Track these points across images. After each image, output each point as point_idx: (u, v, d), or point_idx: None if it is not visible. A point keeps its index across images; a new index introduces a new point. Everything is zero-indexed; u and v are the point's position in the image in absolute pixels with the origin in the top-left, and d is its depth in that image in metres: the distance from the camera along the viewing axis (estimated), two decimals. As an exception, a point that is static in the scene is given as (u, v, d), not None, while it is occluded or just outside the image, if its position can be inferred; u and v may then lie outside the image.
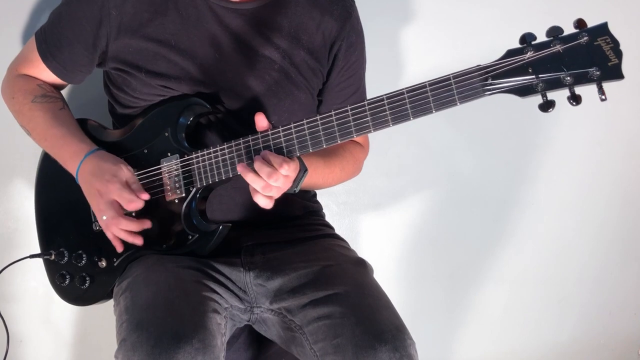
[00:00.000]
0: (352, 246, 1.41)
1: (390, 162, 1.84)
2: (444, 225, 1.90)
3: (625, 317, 2.07)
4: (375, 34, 1.54)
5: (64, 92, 1.45)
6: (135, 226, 1.24)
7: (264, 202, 1.17)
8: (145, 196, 1.23)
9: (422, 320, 1.86)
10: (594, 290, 2.03)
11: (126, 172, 1.25)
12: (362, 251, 1.41)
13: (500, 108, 1.86)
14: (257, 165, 1.14)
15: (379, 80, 1.51)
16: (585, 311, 2.03)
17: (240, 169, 1.16)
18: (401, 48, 1.79)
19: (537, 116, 1.90)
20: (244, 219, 1.34)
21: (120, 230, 1.24)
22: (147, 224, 1.25)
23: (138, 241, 1.25)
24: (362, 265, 1.29)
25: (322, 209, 1.50)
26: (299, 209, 1.42)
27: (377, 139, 1.76)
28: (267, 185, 1.14)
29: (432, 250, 1.90)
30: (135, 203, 1.22)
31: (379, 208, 1.87)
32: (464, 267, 1.93)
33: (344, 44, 1.37)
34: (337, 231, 1.46)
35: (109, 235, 1.27)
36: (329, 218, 1.51)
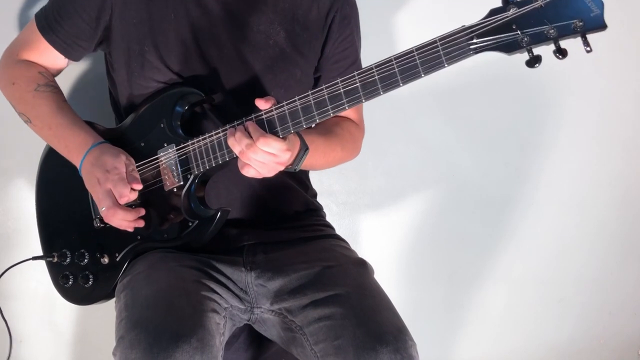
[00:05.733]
0: (352, 246, 1.41)
1: (390, 162, 1.84)
2: (444, 225, 1.90)
3: (625, 317, 2.07)
4: (370, 23, 1.54)
5: (64, 91, 1.44)
6: (131, 216, 1.25)
7: (250, 172, 1.16)
8: (138, 185, 1.25)
9: (423, 321, 1.86)
10: (594, 290, 2.03)
11: (126, 163, 1.26)
12: (362, 251, 1.41)
13: (500, 108, 1.87)
14: (238, 135, 1.14)
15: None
16: (585, 311, 2.04)
17: (228, 134, 1.17)
18: (395, 38, 1.79)
19: (537, 117, 1.91)
20: (245, 215, 1.34)
21: (119, 220, 1.25)
22: (141, 212, 1.27)
23: (139, 224, 1.27)
24: (362, 266, 1.29)
25: (322, 209, 1.50)
26: (301, 204, 1.42)
27: (377, 138, 1.77)
28: (243, 152, 1.14)
29: (432, 250, 1.91)
30: (125, 198, 1.23)
31: (379, 208, 1.87)
32: (464, 267, 1.93)
33: (338, 15, 1.38)
34: (337, 231, 1.46)
35: (113, 224, 1.28)
36: (329, 218, 1.51)
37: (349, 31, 1.41)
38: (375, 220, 1.86)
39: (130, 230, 1.27)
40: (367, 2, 1.52)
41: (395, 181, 1.86)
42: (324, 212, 1.50)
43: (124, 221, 1.25)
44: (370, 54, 1.46)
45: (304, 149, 1.20)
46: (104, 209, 1.24)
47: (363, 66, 1.42)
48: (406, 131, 1.84)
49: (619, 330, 2.07)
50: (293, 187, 1.40)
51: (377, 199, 1.86)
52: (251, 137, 1.13)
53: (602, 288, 2.03)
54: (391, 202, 1.87)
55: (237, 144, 1.14)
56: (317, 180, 1.64)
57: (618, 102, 1.92)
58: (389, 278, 1.69)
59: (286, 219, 1.39)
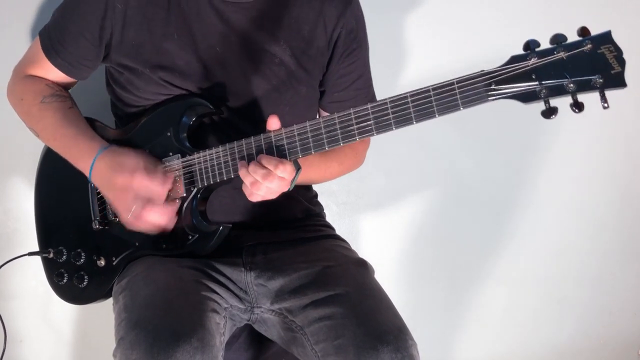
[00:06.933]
0: (352, 246, 1.41)
1: (390, 162, 1.84)
2: (444, 225, 1.90)
3: (625, 317, 2.07)
4: (376, 33, 1.54)
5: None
6: (171, 210, 1.24)
7: (257, 198, 1.18)
8: (169, 184, 1.23)
9: (423, 320, 1.86)
10: (594, 290, 2.03)
11: (145, 160, 1.24)
12: (362, 251, 1.41)
13: (500, 109, 1.86)
14: (252, 168, 1.14)
15: (380, 79, 1.51)
16: (585, 311, 2.03)
17: (239, 165, 1.17)
18: (402, 47, 1.79)
19: (538, 117, 1.90)
20: (245, 220, 1.34)
21: (158, 216, 1.23)
22: (177, 204, 1.25)
23: (170, 225, 1.25)
24: (363, 266, 1.29)
25: (323, 210, 1.50)
26: (300, 211, 1.42)
27: (378, 138, 1.76)
28: (256, 182, 1.14)
29: (432, 250, 1.90)
30: (163, 197, 1.23)
31: (379, 208, 1.87)
32: (464, 267, 1.93)
33: (344, 30, 1.36)
34: (337, 231, 1.46)
35: (140, 227, 1.25)
36: (329, 218, 1.51)
37: (355, 45, 1.38)
38: (375, 220, 1.86)
39: (160, 228, 1.25)
40: (374, 7, 1.52)
41: (395, 181, 1.86)
42: (324, 213, 1.50)
43: (165, 216, 1.23)
44: (379, 58, 1.47)
45: (297, 168, 1.20)
46: (130, 215, 1.22)
47: (375, 90, 1.43)
48: (406, 131, 1.83)
49: (619, 330, 2.07)
50: (294, 194, 1.39)
51: (377, 199, 1.86)
52: (265, 167, 1.13)
53: (602, 288, 2.03)
54: (391, 202, 1.87)
55: (249, 175, 1.14)
56: (318, 180, 1.64)
57: (618, 102, 1.92)
58: (389, 278, 1.69)
59: (287, 221, 1.39)
